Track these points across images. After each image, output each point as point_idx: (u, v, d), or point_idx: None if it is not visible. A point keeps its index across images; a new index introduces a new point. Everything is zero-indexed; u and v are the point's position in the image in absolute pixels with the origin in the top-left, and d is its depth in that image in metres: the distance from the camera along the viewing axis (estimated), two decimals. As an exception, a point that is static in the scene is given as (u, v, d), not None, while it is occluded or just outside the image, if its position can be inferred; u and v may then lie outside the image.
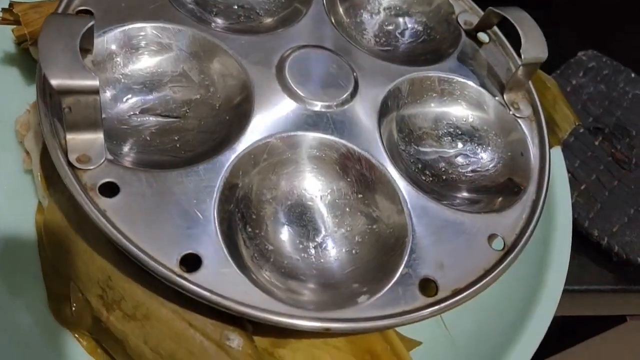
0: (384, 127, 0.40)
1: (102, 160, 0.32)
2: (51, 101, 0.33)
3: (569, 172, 0.46)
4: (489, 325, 0.41)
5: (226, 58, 0.39)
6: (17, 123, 0.42)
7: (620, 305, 0.51)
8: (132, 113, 0.38)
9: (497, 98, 0.44)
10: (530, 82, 0.45)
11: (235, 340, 0.33)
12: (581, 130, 0.52)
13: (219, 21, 0.43)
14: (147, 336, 0.33)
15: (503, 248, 0.37)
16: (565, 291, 0.41)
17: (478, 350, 0.40)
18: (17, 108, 0.42)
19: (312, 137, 0.37)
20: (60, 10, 0.37)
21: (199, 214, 0.32)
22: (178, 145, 0.37)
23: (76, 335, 0.37)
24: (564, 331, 0.40)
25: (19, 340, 0.35)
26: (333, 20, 0.44)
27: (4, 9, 0.41)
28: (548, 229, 0.42)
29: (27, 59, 0.44)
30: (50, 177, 0.38)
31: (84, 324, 0.36)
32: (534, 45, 0.42)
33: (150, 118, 0.38)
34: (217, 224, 0.32)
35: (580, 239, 0.47)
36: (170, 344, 0.33)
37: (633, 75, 0.60)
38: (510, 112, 0.44)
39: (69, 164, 0.32)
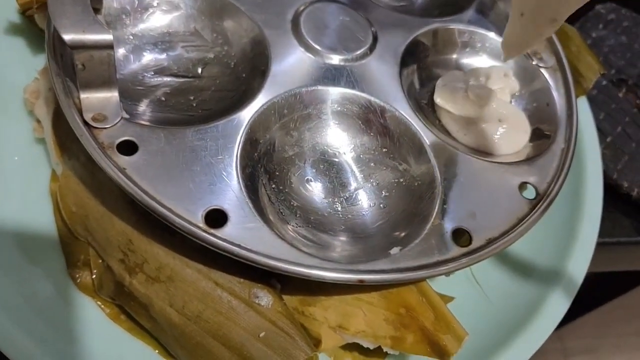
0: (405, 79, 0.38)
1: (118, 119, 0.31)
2: (62, 60, 0.32)
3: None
4: (522, 280, 0.39)
5: (239, 15, 0.38)
6: (25, 91, 0.41)
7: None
8: (145, 74, 0.36)
9: (518, 48, 0.43)
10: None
11: (264, 298, 0.32)
12: (604, 83, 0.51)
13: (229, -22, 0.42)
14: (172, 298, 0.32)
15: (535, 197, 0.36)
16: (597, 244, 0.40)
17: (511, 305, 0.39)
18: (25, 78, 0.41)
19: (333, 91, 0.36)
20: (66, -31, 0.36)
21: (222, 170, 0.31)
22: (194, 104, 0.36)
23: (98, 303, 0.36)
24: (597, 287, 0.39)
25: (41, 309, 0.34)
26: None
27: (8, -25, 0.40)
28: (578, 179, 0.41)
29: (32, 28, 0.43)
30: (64, 142, 0.37)
31: (106, 290, 0.35)
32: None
33: (165, 78, 0.37)
34: (240, 179, 0.31)
35: (610, 192, 0.46)
36: (196, 305, 0.32)
37: (654, 26, 0.58)
38: (534, 62, 0.42)
39: (85, 123, 0.31)
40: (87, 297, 0.36)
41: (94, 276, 0.35)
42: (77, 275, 0.36)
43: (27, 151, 0.40)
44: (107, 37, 0.29)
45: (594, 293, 0.41)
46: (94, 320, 0.35)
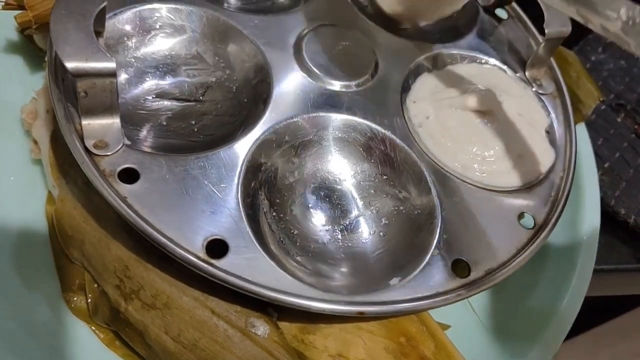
0: (406, 106, 0.39)
1: (119, 146, 0.31)
2: (64, 85, 0.32)
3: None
4: (518, 308, 0.40)
5: (241, 39, 0.38)
6: (22, 111, 0.40)
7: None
8: (147, 97, 0.36)
9: (518, 75, 0.43)
10: (551, 57, 0.44)
11: (261, 327, 0.32)
12: (603, 107, 0.51)
13: (232, 1, 0.42)
14: (168, 326, 0.32)
15: (534, 226, 0.36)
16: (593, 271, 0.40)
17: (507, 334, 0.39)
18: (22, 96, 0.41)
19: (335, 117, 0.36)
20: (68, -9, 0.36)
21: (223, 198, 0.31)
22: (196, 129, 0.36)
23: (93, 328, 0.36)
24: (591, 309, 0.39)
25: (35, 333, 0.34)
26: (349, -1, 0.43)
27: (7, -6, 0.40)
28: (576, 207, 0.41)
29: (30, 47, 0.43)
30: (61, 165, 0.37)
31: (101, 315, 0.35)
32: (557, 18, 0.41)
33: (166, 102, 0.37)
34: (241, 208, 0.31)
35: (607, 218, 0.46)
36: (192, 333, 0.32)
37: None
38: (533, 89, 0.42)
39: (86, 150, 0.30)
40: (82, 322, 0.35)
41: (89, 301, 0.35)
42: (72, 300, 0.36)
43: (23, 171, 0.40)
44: (110, 65, 0.29)
45: (589, 314, 0.41)
46: (88, 345, 0.35)
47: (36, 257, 0.37)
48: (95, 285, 0.35)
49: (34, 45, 0.42)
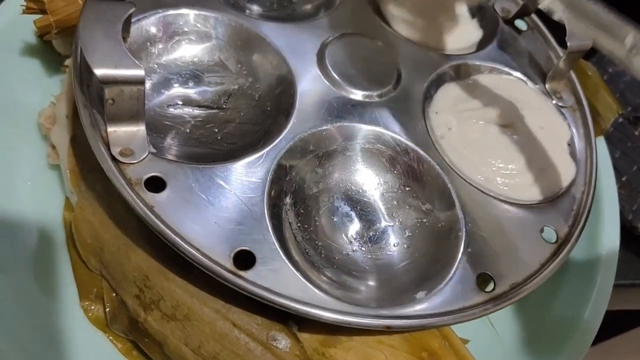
0: (428, 117, 0.38)
1: (145, 154, 0.31)
2: (89, 91, 0.32)
3: (609, 163, 0.45)
4: (537, 323, 0.39)
5: (264, 47, 0.38)
6: (40, 116, 0.40)
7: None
8: (170, 104, 0.36)
9: (539, 87, 0.43)
10: (571, 71, 0.43)
11: (282, 340, 0.32)
12: (620, 120, 0.51)
13: (254, 8, 0.42)
14: (188, 337, 0.32)
15: (556, 240, 0.36)
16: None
17: (526, 348, 0.39)
18: (39, 101, 0.41)
19: (359, 127, 0.36)
20: (93, -4, 0.35)
21: (249, 209, 0.31)
22: (219, 137, 0.35)
23: (110, 337, 0.35)
24: (604, 323, 0.39)
25: (51, 342, 0.34)
26: (372, 8, 0.42)
27: (28, -2, 0.39)
28: (595, 221, 0.41)
29: (48, 51, 0.43)
30: (80, 171, 0.36)
31: (119, 325, 0.34)
32: (579, 32, 0.41)
33: (189, 110, 0.36)
34: (267, 218, 0.31)
35: (625, 233, 0.46)
36: (213, 345, 0.32)
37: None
38: (553, 102, 0.42)
39: (113, 158, 0.30)
40: (99, 331, 0.35)
41: (107, 310, 0.35)
42: (89, 309, 0.36)
43: (41, 177, 0.39)
44: (139, 72, 0.29)
45: (601, 328, 0.41)
46: (105, 355, 0.35)
47: (53, 265, 0.36)
48: (114, 294, 0.34)
49: (52, 50, 0.42)
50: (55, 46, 0.41)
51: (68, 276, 0.36)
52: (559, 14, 0.36)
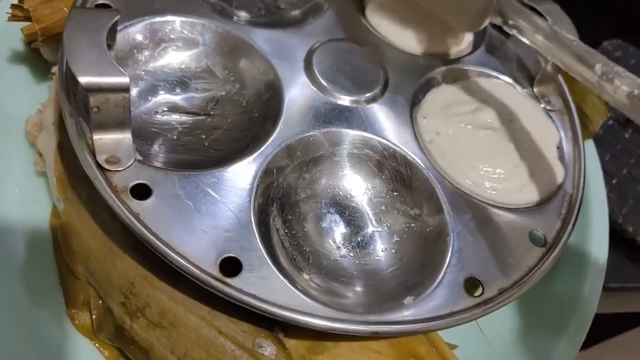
0: (417, 122, 0.38)
1: (131, 161, 0.31)
2: (75, 99, 0.32)
3: (599, 166, 0.45)
4: (525, 329, 0.39)
5: (252, 53, 0.38)
6: (27, 123, 0.40)
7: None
8: (157, 111, 0.36)
9: (527, 91, 0.43)
10: (559, 74, 0.44)
11: (268, 347, 0.32)
12: (610, 123, 0.51)
13: (242, 14, 0.42)
14: (174, 345, 0.32)
15: (544, 244, 0.36)
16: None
17: (515, 353, 0.39)
18: (27, 108, 0.41)
19: (346, 133, 0.36)
20: (78, 3, 0.35)
21: (236, 216, 0.31)
22: (206, 143, 0.35)
23: (97, 345, 0.35)
24: (594, 325, 0.39)
25: (38, 349, 0.34)
26: (360, 13, 0.43)
27: (13, 5, 0.39)
28: (584, 225, 0.41)
29: (35, 58, 0.43)
30: (67, 179, 0.36)
31: (105, 332, 0.34)
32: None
33: (176, 116, 0.36)
34: (254, 225, 0.31)
35: (614, 236, 0.46)
36: (199, 353, 0.32)
37: (660, 64, 0.59)
38: (542, 105, 0.42)
39: (98, 165, 0.30)
40: (86, 339, 0.35)
41: (93, 317, 0.35)
42: (76, 316, 0.35)
43: (28, 184, 0.39)
44: (124, 80, 0.29)
45: (593, 330, 0.41)
46: (93, 362, 0.34)
47: (41, 272, 0.36)
48: (100, 302, 0.34)
49: (39, 57, 0.41)
50: (42, 53, 0.41)
51: (55, 284, 0.36)
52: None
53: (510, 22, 0.38)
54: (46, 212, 0.38)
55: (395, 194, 0.36)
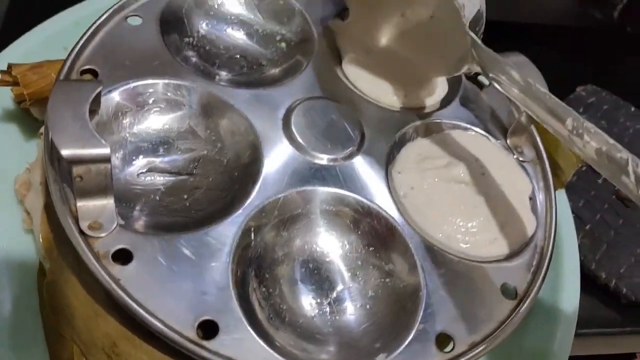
0: (391, 177, 0.40)
1: (114, 227, 0.32)
2: (59, 165, 0.33)
3: (572, 212, 0.46)
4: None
5: (232, 113, 0.39)
6: (16, 182, 0.41)
7: (630, 345, 0.51)
8: (140, 173, 0.37)
9: (500, 142, 0.44)
10: (532, 125, 0.45)
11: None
12: (584, 169, 0.53)
13: (223, 73, 0.43)
14: (155, 402, 0.33)
15: (516, 297, 0.37)
16: (575, 335, 0.41)
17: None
18: (17, 166, 0.42)
19: (322, 191, 0.37)
20: (64, 70, 0.37)
21: (214, 278, 0.32)
22: (188, 204, 0.37)
23: (80, 403, 0.36)
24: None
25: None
26: (338, 70, 0.44)
27: (2, 71, 0.41)
28: (556, 275, 0.42)
29: (25, 117, 0.44)
30: (53, 238, 0.38)
31: (89, 389, 0.35)
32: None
33: (158, 177, 0.38)
34: (232, 288, 0.32)
35: (589, 282, 0.47)
36: (179, 410, 0.32)
37: (633, 109, 0.61)
38: (514, 156, 0.44)
39: (81, 232, 0.31)
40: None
41: (77, 376, 0.35)
42: (61, 373, 0.36)
43: (16, 241, 0.40)
44: (105, 151, 0.30)
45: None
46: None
47: (27, 330, 0.37)
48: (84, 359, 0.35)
49: (30, 116, 0.43)
50: (32, 112, 0.43)
51: (41, 341, 0.37)
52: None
53: (490, 74, 0.39)
54: (33, 269, 0.39)
55: (370, 249, 0.37)
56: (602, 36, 0.65)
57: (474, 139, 0.44)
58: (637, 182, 0.29)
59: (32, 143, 0.43)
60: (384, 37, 0.45)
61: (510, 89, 0.38)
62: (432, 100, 0.45)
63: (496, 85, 0.39)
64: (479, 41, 0.39)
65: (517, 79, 0.37)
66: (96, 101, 0.34)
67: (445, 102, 0.46)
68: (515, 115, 0.45)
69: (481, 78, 0.49)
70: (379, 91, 0.44)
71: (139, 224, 0.34)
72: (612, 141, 0.31)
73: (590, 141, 0.33)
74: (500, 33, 0.58)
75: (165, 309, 0.30)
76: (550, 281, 0.40)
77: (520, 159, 0.44)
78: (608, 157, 0.31)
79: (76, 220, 0.32)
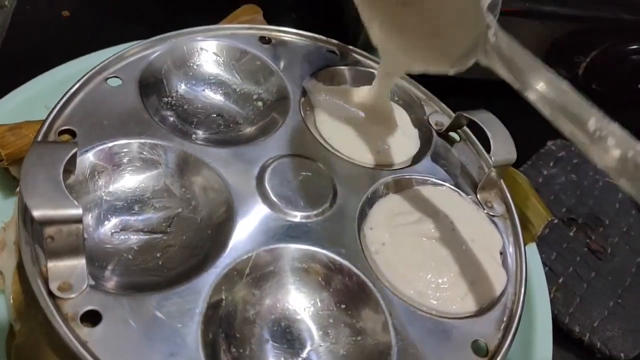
0: (363, 233, 0.40)
1: (84, 287, 0.32)
2: (32, 227, 0.33)
3: (546, 265, 0.47)
4: None
5: (207, 171, 0.40)
6: (-9, 241, 0.42)
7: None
8: (113, 232, 0.38)
9: (470, 197, 0.45)
10: (501, 180, 0.46)
11: None
12: (555, 222, 0.54)
13: (200, 132, 0.44)
14: None
15: (487, 354, 0.37)
16: (551, 390, 0.41)
17: None
18: (-6, 224, 0.42)
19: (294, 248, 0.38)
20: (42, 132, 0.38)
21: (183, 339, 0.32)
22: (161, 262, 0.37)
23: None
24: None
25: None
26: (310, 129, 0.46)
27: (-20, 133, 0.42)
28: (529, 329, 0.43)
29: (4, 175, 0.45)
30: (24, 299, 0.37)
31: None
32: (503, 147, 0.44)
33: (132, 236, 0.38)
34: (201, 349, 0.32)
35: (563, 336, 0.47)
36: None
37: (602, 163, 0.62)
38: (485, 211, 0.45)
39: (50, 293, 0.31)
40: None
41: None
42: None
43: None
44: (77, 212, 0.31)
45: None
46: None
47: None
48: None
49: (8, 174, 0.44)
50: (11, 171, 0.43)
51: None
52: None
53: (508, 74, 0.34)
54: (3, 331, 0.39)
55: (342, 306, 0.38)
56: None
57: (445, 194, 0.45)
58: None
59: (10, 201, 0.44)
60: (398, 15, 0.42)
61: (526, 85, 0.32)
62: (404, 156, 0.47)
63: (510, 82, 0.34)
64: (496, 25, 0.34)
65: (534, 74, 0.32)
66: (71, 162, 0.35)
67: (416, 159, 0.47)
68: (485, 170, 0.47)
69: (452, 134, 0.50)
70: (352, 149, 0.45)
71: (111, 284, 0.34)
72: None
73: (615, 144, 0.28)
74: (469, 90, 0.61)
75: (133, 371, 0.30)
76: (522, 336, 0.40)
77: (491, 213, 0.45)
78: (634, 163, 0.27)
79: (46, 282, 0.32)
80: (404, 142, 0.48)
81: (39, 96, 0.49)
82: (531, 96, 0.32)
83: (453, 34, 0.38)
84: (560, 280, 0.51)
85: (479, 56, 0.36)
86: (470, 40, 0.36)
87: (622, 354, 0.48)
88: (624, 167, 0.28)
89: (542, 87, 0.32)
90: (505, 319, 0.39)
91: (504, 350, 0.37)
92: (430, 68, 0.41)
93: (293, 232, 0.39)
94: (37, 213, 0.30)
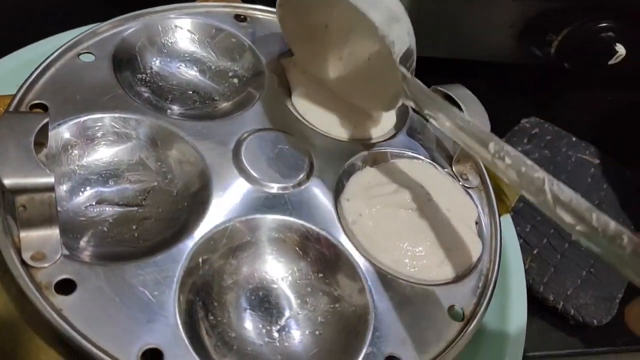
0: (340, 205, 0.41)
1: (58, 257, 0.32)
2: (4, 197, 0.33)
3: (520, 237, 0.48)
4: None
5: (183, 144, 0.40)
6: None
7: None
8: (88, 204, 0.37)
9: (446, 170, 0.46)
10: (475, 153, 0.47)
11: None
12: (529, 195, 0.55)
13: (175, 108, 0.44)
14: None
15: (463, 318, 0.38)
16: (525, 358, 0.42)
17: None
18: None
19: (271, 219, 0.38)
20: (13, 105, 0.37)
21: (160, 306, 0.32)
22: (136, 234, 0.37)
23: None
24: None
25: None
26: (287, 104, 0.46)
27: (-47, 106, 0.41)
28: (504, 296, 0.43)
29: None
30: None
31: None
32: (477, 119, 0.44)
33: (107, 208, 0.38)
34: (177, 315, 0.32)
35: (538, 305, 0.48)
36: None
37: (574, 139, 0.64)
38: (460, 183, 0.46)
39: (23, 262, 0.31)
40: None
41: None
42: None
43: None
44: (49, 180, 0.30)
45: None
46: None
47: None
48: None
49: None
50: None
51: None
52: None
53: (422, 107, 0.41)
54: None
55: (320, 275, 0.38)
56: (543, 72, 0.69)
57: (421, 167, 0.45)
58: (554, 201, 0.31)
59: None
60: (329, 74, 0.47)
61: (439, 119, 0.39)
62: (380, 131, 0.47)
63: (427, 117, 0.40)
64: (409, 75, 0.40)
65: (444, 111, 0.38)
66: (43, 133, 0.34)
67: (392, 133, 0.47)
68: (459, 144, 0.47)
69: (428, 110, 0.51)
70: (328, 123, 0.45)
71: (85, 254, 0.34)
72: (530, 162, 0.32)
73: (511, 164, 0.33)
74: (445, 71, 0.61)
75: (109, 338, 0.30)
76: (497, 303, 0.41)
77: (466, 185, 0.46)
78: (527, 178, 0.32)
79: (19, 251, 0.31)
80: (379, 117, 0.48)
81: (10, 74, 0.48)
82: (436, 124, 0.39)
83: (379, 91, 0.44)
84: (535, 252, 0.52)
85: (403, 99, 0.42)
86: (394, 91, 0.42)
87: (594, 320, 0.49)
88: (522, 182, 0.32)
89: (444, 117, 0.38)
90: (480, 285, 0.40)
91: (479, 315, 0.38)
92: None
93: (270, 203, 0.39)
94: (7, 181, 0.30)
